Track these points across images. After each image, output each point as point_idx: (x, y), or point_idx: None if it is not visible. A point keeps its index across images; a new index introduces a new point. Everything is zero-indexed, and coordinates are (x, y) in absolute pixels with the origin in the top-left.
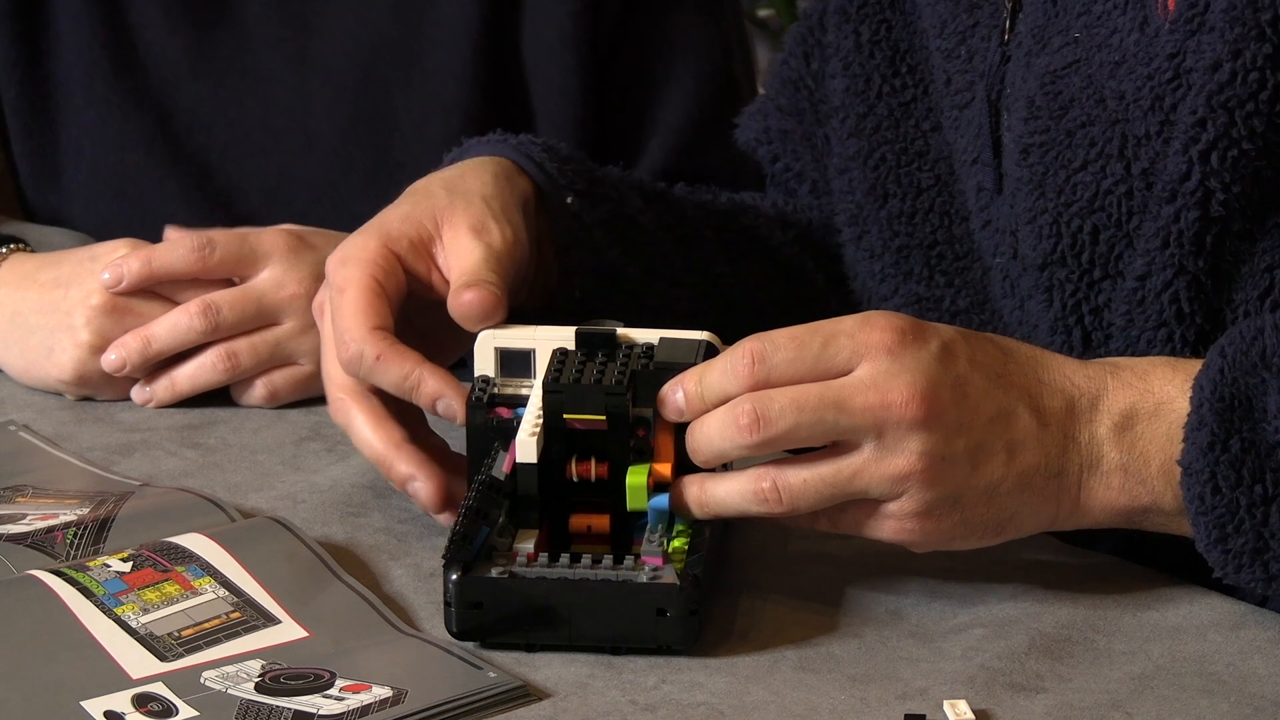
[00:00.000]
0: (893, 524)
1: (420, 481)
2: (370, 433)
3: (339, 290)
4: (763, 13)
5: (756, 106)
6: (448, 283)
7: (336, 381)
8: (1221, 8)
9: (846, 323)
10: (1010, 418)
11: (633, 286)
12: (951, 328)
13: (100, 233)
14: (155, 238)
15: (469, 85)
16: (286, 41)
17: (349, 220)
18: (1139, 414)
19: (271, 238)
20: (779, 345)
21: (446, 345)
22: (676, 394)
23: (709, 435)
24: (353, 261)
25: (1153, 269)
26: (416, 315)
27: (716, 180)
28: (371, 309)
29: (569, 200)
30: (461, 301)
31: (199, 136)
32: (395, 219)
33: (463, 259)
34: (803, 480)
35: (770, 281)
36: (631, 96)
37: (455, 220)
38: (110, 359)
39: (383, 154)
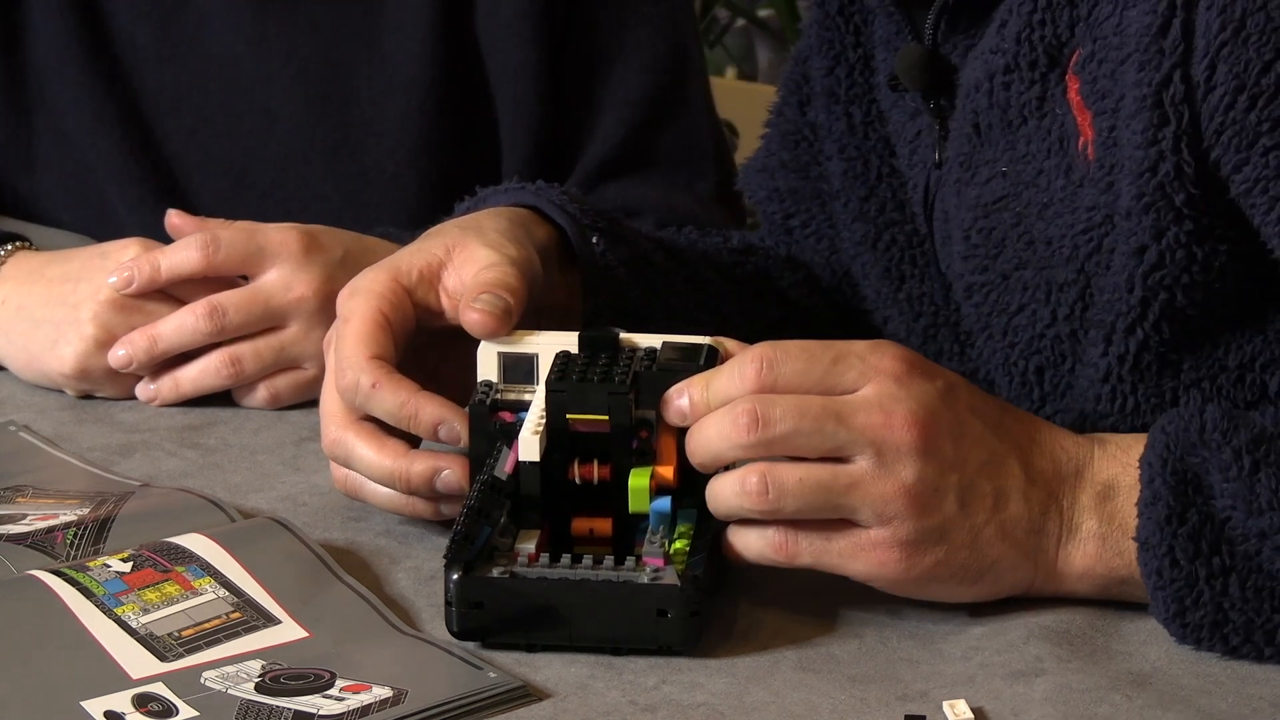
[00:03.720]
0: (879, 554)
1: (448, 470)
2: (375, 454)
3: (344, 321)
4: (763, 13)
5: (760, 163)
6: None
7: (333, 416)
8: (1128, 176)
9: (859, 345)
10: (1001, 465)
11: (654, 328)
12: (956, 374)
13: (73, 217)
14: (127, 223)
15: (427, 63)
16: (246, 25)
17: (312, 197)
18: (1119, 487)
19: (280, 236)
20: (790, 354)
21: (460, 385)
22: (681, 398)
23: (707, 436)
24: (361, 294)
25: (1100, 397)
26: (430, 352)
27: (671, 158)
28: (372, 338)
29: (594, 240)
30: (469, 320)
31: (166, 121)
32: (407, 253)
33: (477, 264)
34: (798, 479)
35: (780, 322)
36: (587, 72)
37: (467, 242)
38: (118, 354)
39: (344, 132)
